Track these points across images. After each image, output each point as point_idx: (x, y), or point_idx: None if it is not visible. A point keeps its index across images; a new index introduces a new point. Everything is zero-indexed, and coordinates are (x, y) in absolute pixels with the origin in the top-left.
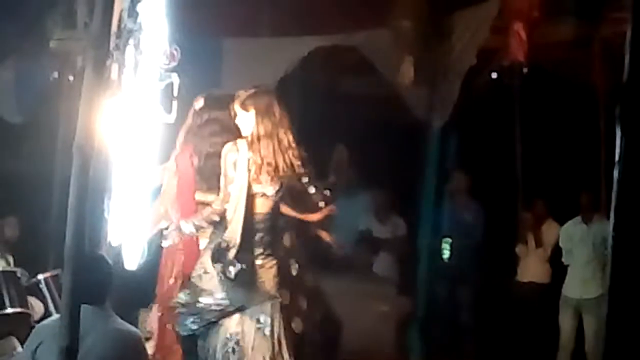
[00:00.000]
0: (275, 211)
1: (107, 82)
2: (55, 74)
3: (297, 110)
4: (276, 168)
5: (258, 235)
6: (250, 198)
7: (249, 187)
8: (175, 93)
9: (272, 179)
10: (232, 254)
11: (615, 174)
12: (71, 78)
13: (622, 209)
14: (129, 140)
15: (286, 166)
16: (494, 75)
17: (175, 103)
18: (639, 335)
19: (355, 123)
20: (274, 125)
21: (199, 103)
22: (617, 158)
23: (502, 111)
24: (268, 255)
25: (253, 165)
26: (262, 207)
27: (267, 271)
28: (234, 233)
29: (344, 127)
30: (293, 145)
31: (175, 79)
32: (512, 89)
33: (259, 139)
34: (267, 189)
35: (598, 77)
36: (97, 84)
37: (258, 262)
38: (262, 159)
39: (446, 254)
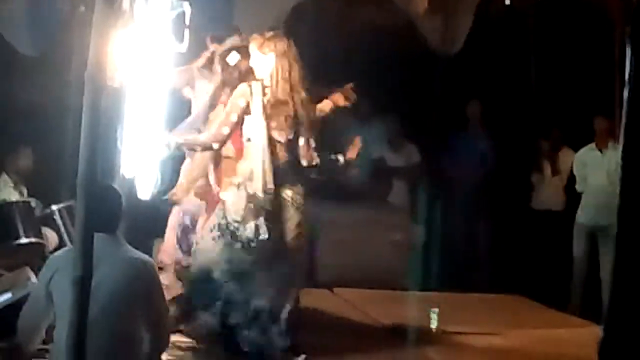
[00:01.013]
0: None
1: (118, 12)
2: (68, 5)
3: (309, 39)
4: (294, 112)
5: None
6: (271, 142)
7: (268, 131)
8: (187, 22)
9: (288, 124)
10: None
11: (626, 94)
12: (82, 8)
13: (632, 130)
14: (141, 70)
15: (302, 109)
16: (508, 1)
17: (187, 32)
18: None
19: (368, 52)
20: (290, 69)
21: (233, 57)
22: (627, 78)
23: (516, 38)
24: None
25: (269, 108)
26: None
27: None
28: (257, 182)
29: (357, 56)
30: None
31: (186, 7)
32: (525, 15)
33: (276, 82)
34: (283, 133)
35: (612, 2)
36: (108, 14)
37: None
38: (277, 101)
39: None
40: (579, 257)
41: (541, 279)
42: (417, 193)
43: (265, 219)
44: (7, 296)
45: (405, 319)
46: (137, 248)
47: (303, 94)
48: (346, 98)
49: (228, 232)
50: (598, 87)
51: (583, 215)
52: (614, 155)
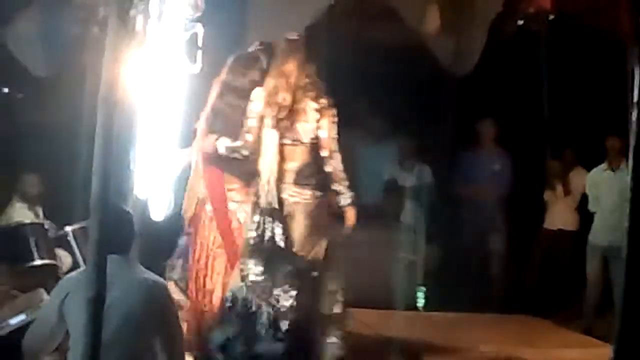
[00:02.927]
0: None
1: (131, 33)
2: (80, 26)
3: (323, 58)
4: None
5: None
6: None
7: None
8: (200, 43)
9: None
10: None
11: (634, 115)
12: (96, 30)
13: None
14: (154, 91)
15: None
16: (520, 22)
17: (200, 53)
18: None
19: (380, 72)
20: (304, 74)
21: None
22: (635, 99)
23: (528, 58)
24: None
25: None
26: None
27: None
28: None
29: (369, 77)
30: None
31: (199, 29)
32: (538, 35)
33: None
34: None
35: (624, 22)
36: (121, 35)
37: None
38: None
39: (421, 302)
40: (592, 278)
41: (554, 299)
42: (430, 213)
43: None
44: (21, 317)
45: (418, 339)
46: (149, 269)
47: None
48: None
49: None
50: (610, 107)
51: (596, 236)
52: (626, 175)
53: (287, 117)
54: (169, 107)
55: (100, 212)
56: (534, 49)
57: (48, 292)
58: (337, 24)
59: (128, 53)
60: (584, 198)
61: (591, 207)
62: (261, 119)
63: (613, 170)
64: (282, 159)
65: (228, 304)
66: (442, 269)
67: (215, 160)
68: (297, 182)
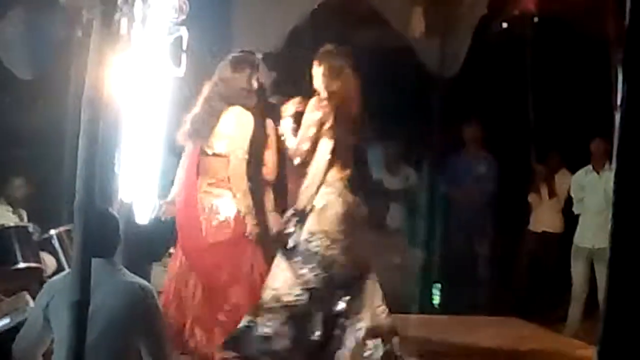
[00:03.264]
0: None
1: (115, 37)
2: (65, 29)
3: (307, 63)
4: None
5: None
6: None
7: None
8: (185, 47)
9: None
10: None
11: (617, 118)
12: (80, 33)
13: (625, 153)
14: (139, 94)
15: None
16: (505, 25)
17: (184, 57)
18: None
19: (366, 75)
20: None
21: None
22: (619, 103)
23: (513, 61)
24: None
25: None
26: None
27: None
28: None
29: None
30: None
31: (184, 32)
32: (523, 38)
33: (328, 97)
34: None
35: (609, 24)
36: (105, 38)
37: None
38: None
39: (436, 300)
40: (578, 279)
41: (539, 300)
42: (415, 215)
43: None
44: (5, 321)
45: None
46: (134, 273)
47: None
48: None
49: None
50: (595, 109)
51: (581, 238)
52: (611, 177)
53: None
54: (154, 110)
55: (84, 215)
56: (519, 52)
57: (32, 296)
58: (321, 27)
59: (112, 56)
60: (569, 200)
61: (576, 209)
62: (321, 126)
63: (598, 173)
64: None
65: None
66: (426, 271)
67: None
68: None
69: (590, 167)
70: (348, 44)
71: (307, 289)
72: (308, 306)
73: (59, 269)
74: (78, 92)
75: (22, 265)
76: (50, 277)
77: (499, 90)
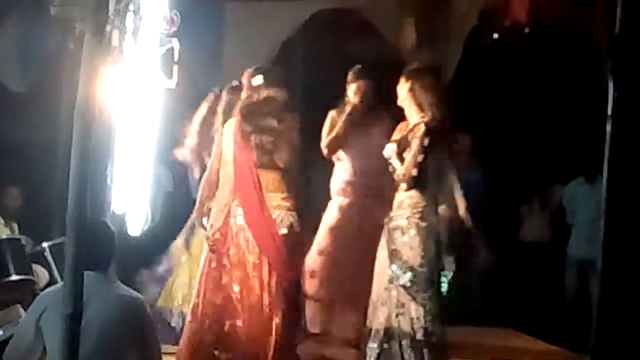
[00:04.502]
0: None
1: (107, 48)
2: (57, 41)
3: (299, 74)
4: None
5: None
6: None
7: None
8: (176, 58)
9: None
10: None
11: (608, 127)
12: (72, 45)
13: (616, 163)
14: (131, 106)
15: None
16: (496, 35)
17: (175, 68)
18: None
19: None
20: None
21: (257, 79)
22: (609, 112)
23: (504, 71)
24: None
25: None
26: None
27: None
28: None
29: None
30: None
31: (175, 44)
32: (514, 49)
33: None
34: None
35: (601, 35)
36: (97, 50)
37: None
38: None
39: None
40: (570, 290)
41: (531, 311)
42: None
43: None
44: None
45: None
46: (125, 284)
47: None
48: None
49: None
50: (587, 119)
51: (573, 248)
52: (602, 188)
53: None
54: (146, 121)
55: (76, 228)
56: (510, 62)
57: (25, 308)
58: (312, 39)
59: (104, 68)
60: (560, 211)
61: (568, 219)
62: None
63: (590, 183)
64: None
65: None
66: None
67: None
68: None
69: (582, 178)
70: (340, 54)
71: None
72: None
73: (52, 281)
74: (70, 104)
75: (14, 277)
76: (42, 289)
77: (490, 100)
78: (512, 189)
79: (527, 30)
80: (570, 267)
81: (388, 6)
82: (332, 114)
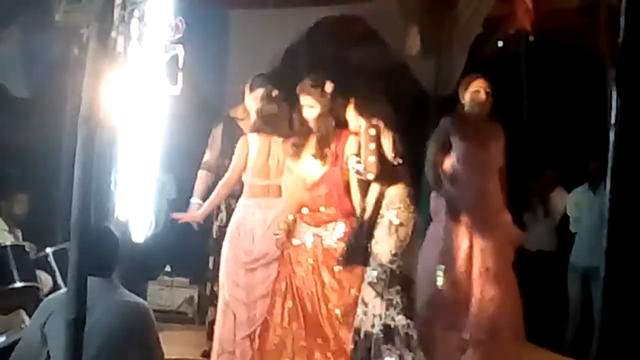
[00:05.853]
0: None
1: (112, 55)
2: (61, 47)
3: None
4: None
5: None
6: None
7: None
8: (181, 65)
9: None
10: None
11: (612, 136)
12: (77, 51)
13: (619, 172)
14: (135, 112)
15: None
16: (500, 43)
17: (180, 75)
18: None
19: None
20: None
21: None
22: (613, 121)
23: (508, 79)
24: None
25: None
26: None
27: None
28: None
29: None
30: None
31: (180, 50)
32: (518, 57)
33: None
34: None
35: (604, 44)
36: (101, 56)
37: None
38: None
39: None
40: (574, 298)
41: (534, 319)
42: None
43: None
44: (1, 339)
45: None
46: (130, 290)
47: None
48: None
49: None
50: (591, 127)
51: (577, 257)
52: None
53: None
54: (150, 128)
55: (80, 234)
56: (515, 70)
57: (29, 314)
58: (317, 46)
59: (109, 74)
60: (564, 219)
61: (572, 228)
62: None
63: (594, 192)
64: None
65: None
66: None
67: None
68: None
69: (586, 186)
70: (344, 62)
71: None
72: None
73: (56, 287)
74: (74, 110)
75: (18, 284)
76: (46, 295)
77: (494, 108)
78: (516, 197)
79: (531, 38)
80: (573, 275)
81: (392, 14)
82: None
